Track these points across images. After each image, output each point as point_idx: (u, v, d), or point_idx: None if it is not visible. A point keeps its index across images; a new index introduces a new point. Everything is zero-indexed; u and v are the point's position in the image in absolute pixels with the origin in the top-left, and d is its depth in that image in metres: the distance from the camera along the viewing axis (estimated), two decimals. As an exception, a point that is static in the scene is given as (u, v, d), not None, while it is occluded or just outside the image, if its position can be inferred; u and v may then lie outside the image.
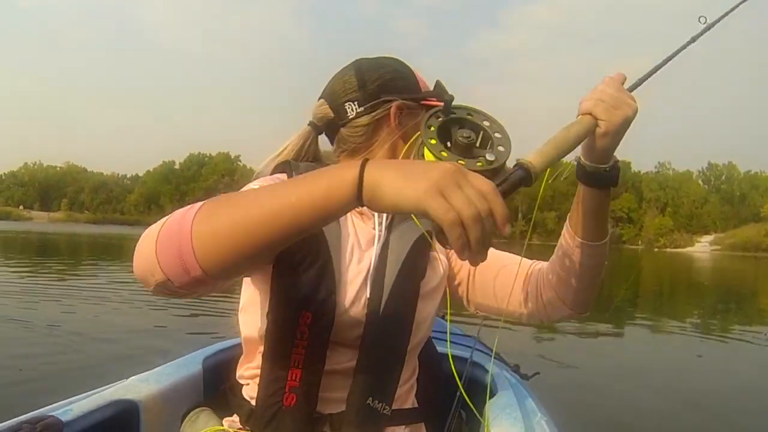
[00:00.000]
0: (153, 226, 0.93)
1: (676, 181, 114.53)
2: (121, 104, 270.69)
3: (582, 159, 1.22)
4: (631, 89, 1.20)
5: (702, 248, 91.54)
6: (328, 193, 0.84)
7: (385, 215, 1.37)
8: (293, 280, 1.22)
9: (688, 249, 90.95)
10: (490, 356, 2.08)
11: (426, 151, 1.09)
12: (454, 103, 1.19)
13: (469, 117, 1.16)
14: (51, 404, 1.34)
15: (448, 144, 1.11)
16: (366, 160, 0.85)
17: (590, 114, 1.12)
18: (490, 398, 1.67)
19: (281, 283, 1.23)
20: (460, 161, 1.03)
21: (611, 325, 9.41)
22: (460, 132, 1.11)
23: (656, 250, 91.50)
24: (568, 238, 1.33)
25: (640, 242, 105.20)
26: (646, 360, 7.07)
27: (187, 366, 1.70)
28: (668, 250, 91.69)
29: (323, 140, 1.48)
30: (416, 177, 0.81)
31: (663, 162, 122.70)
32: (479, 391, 1.78)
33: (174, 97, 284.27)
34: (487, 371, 1.93)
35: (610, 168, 1.21)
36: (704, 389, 5.75)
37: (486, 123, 1.14)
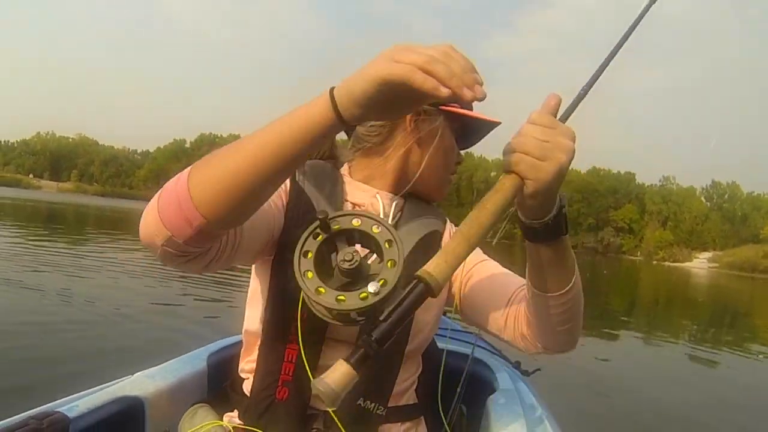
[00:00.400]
0: (155, 195, 0.95)
1: (680, 196, 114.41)
2: (137, 82, 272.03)
3: (518, 213, 1.05)
4: (566, 115, 1.01)
5: (700, 264, 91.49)
6: (307, 116, 0.85)
7: (391, 215, 1.36)
8: (291, 276, 1.17)
9: (687, 264, 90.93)
10: (492, 352, 2.13)
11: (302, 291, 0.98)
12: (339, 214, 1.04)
13: (356, 225, 1.02)
14: (57, 400, 1.34)
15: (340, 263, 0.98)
16: (332, 92, 0.85)
17: (514, 172, 0.93)
18: (491, 393, 1.68)
19: (280, 278, 1.24)
20: (339, 297, 0.94)
21: (610, 328, 9.58)
22: (342, 255, 0.97)
23: (655, 262, 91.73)
24: (527, 289, 1.19)
25: (639, 253, 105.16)
26: (642, 361, 7.31)
27: (191, 362, 1.70)
28: (667, 263, 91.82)
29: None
30: (371, 63, 0.82)
31: (668, 176, 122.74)
32: (480, 386, 1.83)
33: (189, 79, 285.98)
34: (488, 367, 1.96)
35: (552, 219, 1.02)
36: (692, 392, 5.98)
37: (376, 228, 1.01)
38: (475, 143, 1.51)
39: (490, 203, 0.92)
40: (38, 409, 1.26)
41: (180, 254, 0.96)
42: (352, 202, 1.36)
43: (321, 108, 0.84)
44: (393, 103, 0.83)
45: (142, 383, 1.51)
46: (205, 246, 0.98)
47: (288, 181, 1.31)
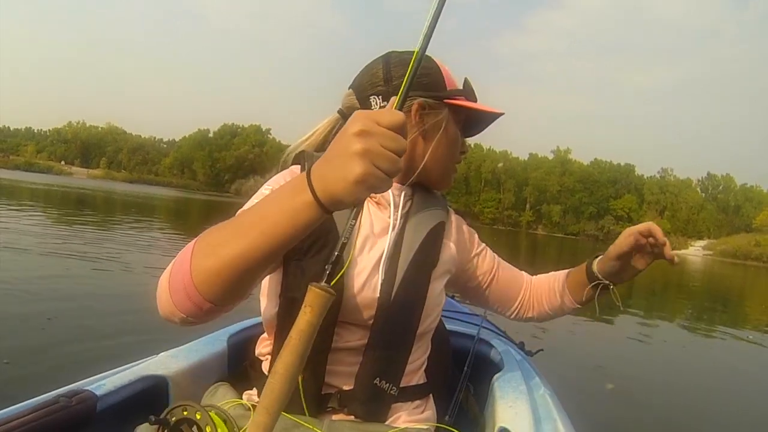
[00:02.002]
0: (165, 272, 0.98)
1: (677, 187, 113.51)
2: (164, 73, 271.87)
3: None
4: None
5: (695, 252, 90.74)
6: (294, 213, 0.84)
7: (401, 204, 1.37)
8: (302, 265, 1.23)
9: (683, 251, 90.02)
10: (497, 333, 2.16)
11: None
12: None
13: (185, 414, 1.09)
14: (85, 379, 1.37)
15: None
16: (309, 173, 0.84)
17: None
18: (496, 373, 1.69)
19: (292, 267, 1.24)
20: None
21: (609, 311, 9.48)
22: None
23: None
24: (567, 302, 1.62)
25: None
26: (640, 342, 7.24)
27: (213, 343, 1.72)
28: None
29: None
30: (340, 159, 0.80)
31: (666, 168, 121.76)
32: (486, 366, 1.86)
33: (214, 71, 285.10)
34: (493, 347, 1.97)
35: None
36: (689, 371, 6.07)
37: (198, 415, 1.08)
38: (479, 132, 1.51)
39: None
40: (67, 387, 1.29)
41: (201, 323, 0.99)
42: None
43: (306, 205, 0.83)
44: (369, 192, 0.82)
45: (165, 362, 1.53)
46: (222, 313, 1.00)
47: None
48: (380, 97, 1.33)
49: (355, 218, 0.90)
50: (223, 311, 0.98)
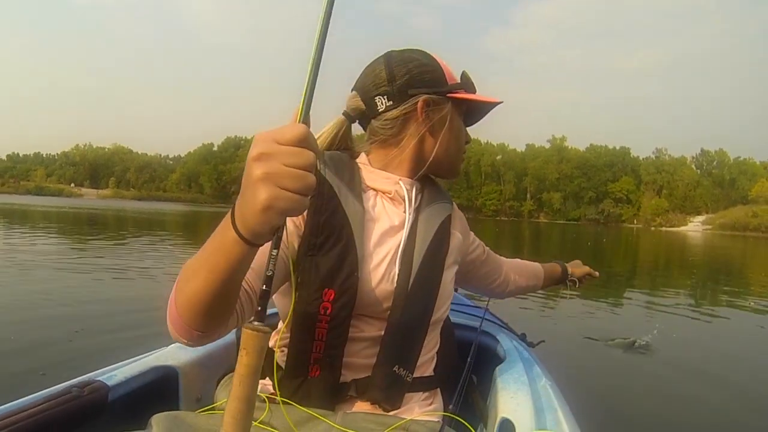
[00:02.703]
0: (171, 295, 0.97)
1: (672, 165, 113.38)
2: (165, 92, 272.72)
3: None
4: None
5: (694, 227, 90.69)
6: (226, 250, 0.82)
7: (415, 197, 1.38)
8: (317, 260, 1.22)
9: (682, 228, 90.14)
10: (499, 325, 2.16)
11: None
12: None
13: None
14: (97, 370, 1.37)
15: None
16: (233, 207, 0.81)
17: None
18: (498, 364, 1.70)
19: (306, 262, 1.22)
20: None
21: (612, 298, 9.36)
22: None
23: (653, 228, 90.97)
24: (532, 282, 1.95)
25: (637, 221, 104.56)
26: (641, 328, 6.82)
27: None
28: (664, 228, 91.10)
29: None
30: (247, 187, 0.75)
31: (660, 148, 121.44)
32: (489, 357, 1.87)
33: (213, 86, 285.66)
34: (496, 339, 1.98)
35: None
36: (695, 352, 5.80)
37: None
38: (479, 120, 1.52)
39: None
40: (79, 378, 1.30)
41: (205, 343, 1.00)
42: (373, 188, 1.36)
43: (233, 242, 0.80)
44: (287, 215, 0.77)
45: (176, 354, 1.54)
46: (223, 330, 1.00)
47: None
48: (385, 97, 1.33)
49: (276, 247, 0.82)
50: (215, 335, 0.99)
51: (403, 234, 1.32)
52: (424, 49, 1.39)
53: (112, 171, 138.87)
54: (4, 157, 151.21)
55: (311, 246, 1.22)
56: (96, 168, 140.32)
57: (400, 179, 1.37)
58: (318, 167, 1.21)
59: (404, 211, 1.35)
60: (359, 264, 1.23)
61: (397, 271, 1.28)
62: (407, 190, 1.36)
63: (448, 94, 1.36)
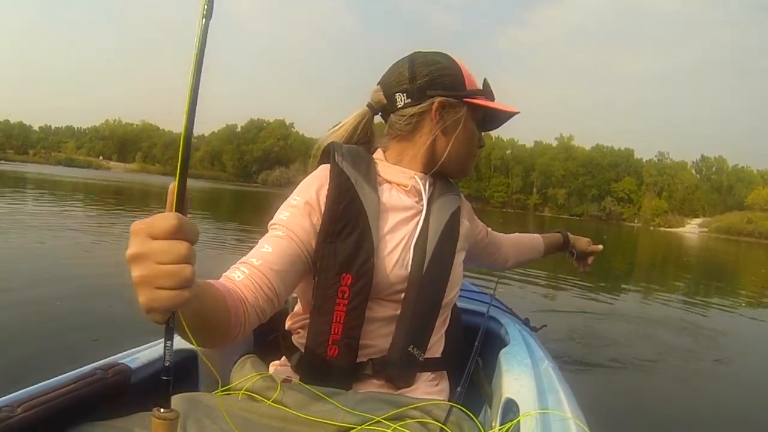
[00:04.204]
0: None
1: (673, 169, 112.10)
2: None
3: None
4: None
5: (691, 229, 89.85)
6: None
7: (428, 190, 1.39)
8: (335, 247, 1.22)
9: (680, 229, 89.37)
10: (504, 310, 2.17)
11: None
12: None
13: None
14: (120, 353, 1.37)
15: None
16: None
17: None
18: (503, 348, 1.71)
19: (325, 249, 1.22)
20: None
21: (611, 288, 9.49)
22: None
23: (651, 228, 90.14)
24: (532, 254, 1.96)
25: (637, 220, 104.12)
26: (638, 316, 7.05)
27: None
28: (662, 228, 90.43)
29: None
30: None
31: (662, 151, 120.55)
32: (494, 341, 1.87)
33: (238, 69, 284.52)
34: (501, 324, 1.98)
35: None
36: (683, 335, 6.05)
37: None
38: (496, 128, 1.52)
39: None
40: (103, 360, 1.29)
41: (219, 347, 1.03)
42: (388, 180, 1.37)
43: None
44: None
45: None
46: (227, 342, 1.00)
47: (328, 166, 1.32)
48: (405, 94, 1.34)
49: (170, 339, 0.74)
50: (218, 346, 1.02)
51: (419, 222, 1.33)
52: (448, 53, 1.40)
53: (140, 146, 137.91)
54: (36, 128, 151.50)
55: (330, 233, 1.22)
56: (124, 143, 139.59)
57: (414, 174, 1.38)
58: (335, 159, 1.31)
59: (417, 202, 1.37)
60: (375, 250, 1.24)
61: (411, 257, 1.29)
62: (421, 182, 1.37)
63: (465, 99, 1.36)
